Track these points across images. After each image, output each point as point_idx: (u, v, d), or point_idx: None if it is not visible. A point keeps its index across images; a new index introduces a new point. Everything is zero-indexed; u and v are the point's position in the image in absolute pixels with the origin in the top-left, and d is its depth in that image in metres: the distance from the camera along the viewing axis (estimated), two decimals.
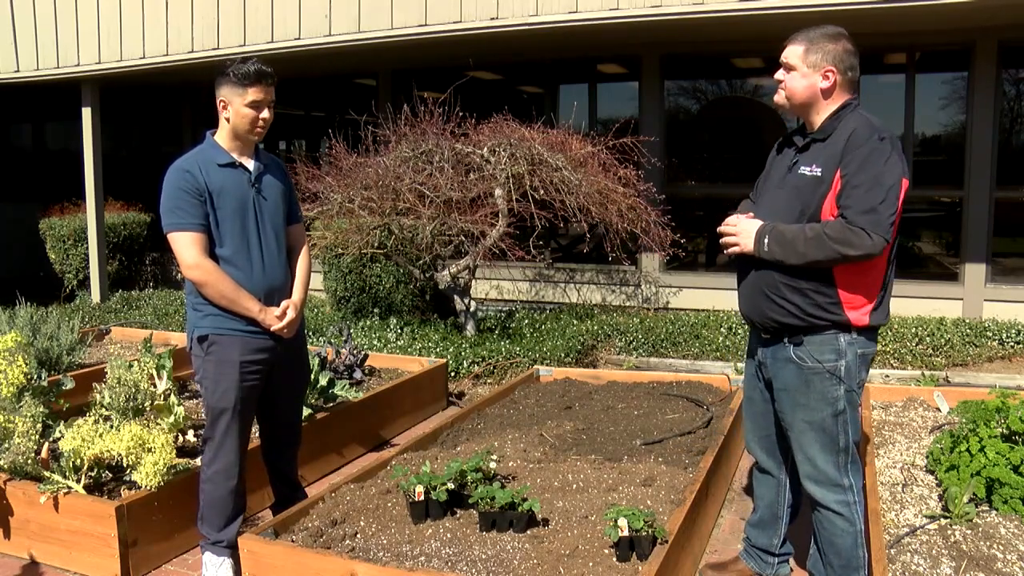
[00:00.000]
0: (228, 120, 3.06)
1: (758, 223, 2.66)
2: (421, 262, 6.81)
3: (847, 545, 2.69)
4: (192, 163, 3.03)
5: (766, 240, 2.60)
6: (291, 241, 3.33)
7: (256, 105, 3.03)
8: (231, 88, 3.01)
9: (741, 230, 2.69)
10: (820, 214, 2.56)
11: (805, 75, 2.62)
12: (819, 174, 2.57)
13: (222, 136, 3.11)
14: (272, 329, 3.11)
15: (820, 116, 2.65)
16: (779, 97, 2.72)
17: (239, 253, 3.07)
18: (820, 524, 2.75)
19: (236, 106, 3.02)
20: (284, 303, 3.17)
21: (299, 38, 7.53)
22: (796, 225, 2.58)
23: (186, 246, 2.97)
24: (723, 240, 2.76)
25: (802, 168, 2.64)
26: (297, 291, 3.28)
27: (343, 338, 5.68)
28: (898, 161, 2.50)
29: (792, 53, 2.64)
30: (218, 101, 3.06)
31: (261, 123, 3.07)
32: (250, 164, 3.14)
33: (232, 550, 3.17)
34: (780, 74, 2.69)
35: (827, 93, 2.62)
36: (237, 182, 3.08)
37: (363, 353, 5.42)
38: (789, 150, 2.77)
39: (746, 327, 6.80)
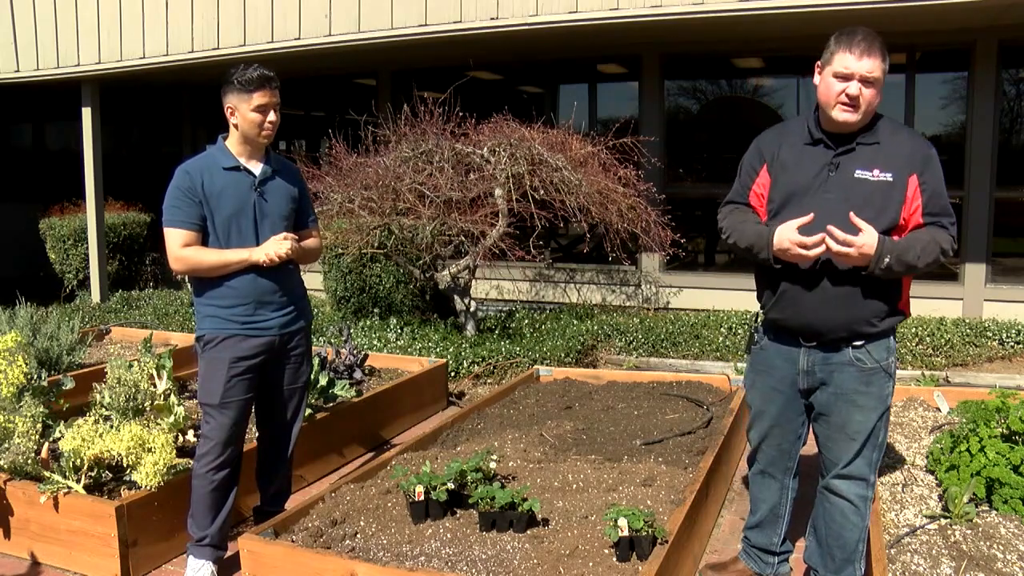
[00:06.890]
0: (236, 126, 3.15)
1: (876, 239, 2.41)
2: (421, 262, 6.81)
3: (853, 539, 2.71)
4: (195, 165, 3.15)
5: (887, 259, 2.41)
6: None
7: (262, 109, 3.11)
8: (236, 95, 3.10)
9: (864, 244, 2.40)
10: (898, 220, 2.51)
11: (880, 90, 2.47)
12: (890, 179, 2.49)
13: (232, 141, 3.21)
14: (265, 257, 3.09)
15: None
16: (855, 115, 2.47)
17: None
18: (831, 517, 2.73)
19: (243, 111, 3.11)
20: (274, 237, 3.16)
21: (299, 38, 7.53)
22: (905, 239, 2.48)
23: (172, 240, 3.11)
24: (832, 253, 2.45)
25: (858, 172, 2.51)
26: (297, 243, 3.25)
27: (343, 338, 5.68)
28: None
29: (877, 67, 2.44)
30: (225, 108, 3.14)
31: (268, 126, 3.15)
32: (257, 168, 3.22)
33: (215, 550, 3.20)
34: (855, 88, 2.43)
35: None
36: (238, 185, 3.16)
37: (363, 353, 5.42)
38: (814, 150, 2.59)
39: (746, 327, 6.79)
